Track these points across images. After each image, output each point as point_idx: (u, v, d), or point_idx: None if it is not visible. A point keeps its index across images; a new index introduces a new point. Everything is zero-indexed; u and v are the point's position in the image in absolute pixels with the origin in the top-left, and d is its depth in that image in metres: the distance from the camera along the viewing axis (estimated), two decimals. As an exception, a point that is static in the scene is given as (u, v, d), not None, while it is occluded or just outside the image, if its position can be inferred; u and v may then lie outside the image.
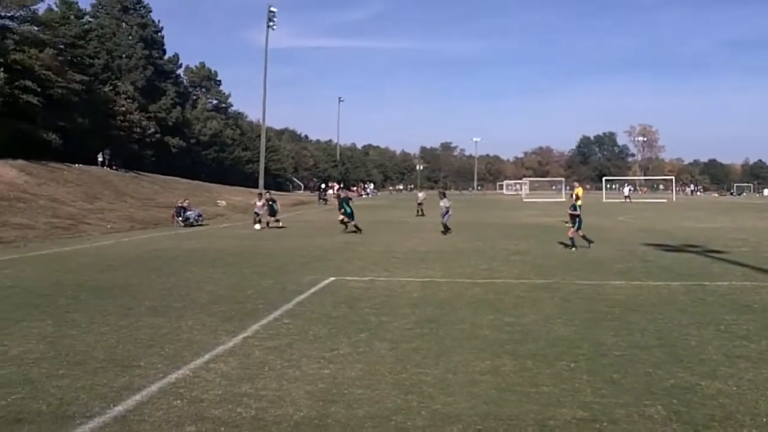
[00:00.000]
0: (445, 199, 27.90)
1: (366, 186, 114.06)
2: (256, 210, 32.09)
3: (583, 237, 21.06)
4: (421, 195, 43.97)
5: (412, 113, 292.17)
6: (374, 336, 9.11)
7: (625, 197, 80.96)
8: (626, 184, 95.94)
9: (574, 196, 26.54)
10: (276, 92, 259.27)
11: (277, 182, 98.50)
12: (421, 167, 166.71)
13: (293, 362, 7.80)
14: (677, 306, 11.29)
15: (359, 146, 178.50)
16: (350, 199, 35.25)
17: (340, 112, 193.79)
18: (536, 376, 7.24)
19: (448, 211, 27.59)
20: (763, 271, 15.61)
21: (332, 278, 14.45)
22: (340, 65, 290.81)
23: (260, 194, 33.80)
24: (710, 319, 10.22)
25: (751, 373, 7.34)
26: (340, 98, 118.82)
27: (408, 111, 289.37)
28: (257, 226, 30.90)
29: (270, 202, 32.04)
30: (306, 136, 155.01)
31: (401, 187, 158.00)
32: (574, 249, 20.45)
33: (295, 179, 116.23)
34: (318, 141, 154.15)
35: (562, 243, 21.09)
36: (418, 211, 40.94)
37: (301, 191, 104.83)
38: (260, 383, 6.99)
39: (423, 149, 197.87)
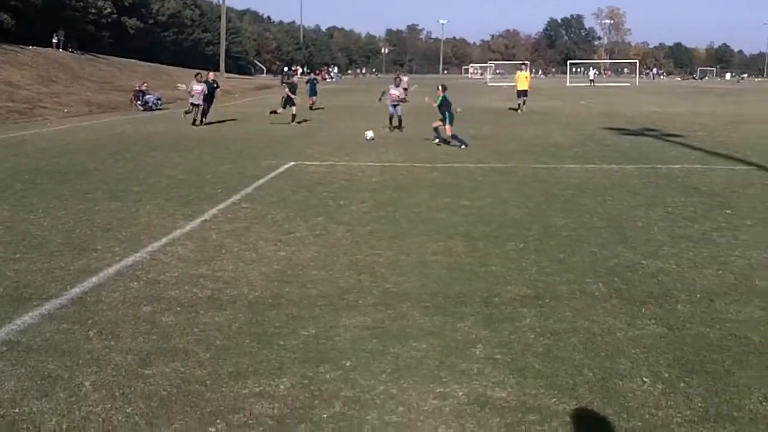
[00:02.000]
0: (399, 87, 21.78)
1: (330, 70, 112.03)
2: (192, 99, 24.10)
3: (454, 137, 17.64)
4: (405, 79, 42.39)
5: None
6: (331, 219, 9.25)
7: (590, 81, 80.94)
8: (591, 68, 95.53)
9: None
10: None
11: (238, 65, 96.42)
12: (387, 50, 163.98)
13: (250, 245, 7.92)
14: (628, 188, 11.57)
15: (323, 28, 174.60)
16: (316, 81, 34.61)
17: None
18: (486, 256, 7.47)
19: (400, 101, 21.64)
20: (716, 155, 15.94)
21: (292, 163, 14.47)
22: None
23: (198, 75, 25.00)
24: (659, 201, 10.51)
25: (691, 252, 7.63)
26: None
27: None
28: (191, 118, 23.88)
29: (213, 85, 25.04)
30: (269, 18, 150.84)
31: (364, 71, 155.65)
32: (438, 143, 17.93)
33: (257, 63, 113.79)
34: (281, 23, 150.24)
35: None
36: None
37: (264, 75, 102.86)
38: (217, 265, 7.13)
39: (389, 32, 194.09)
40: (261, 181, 12.19)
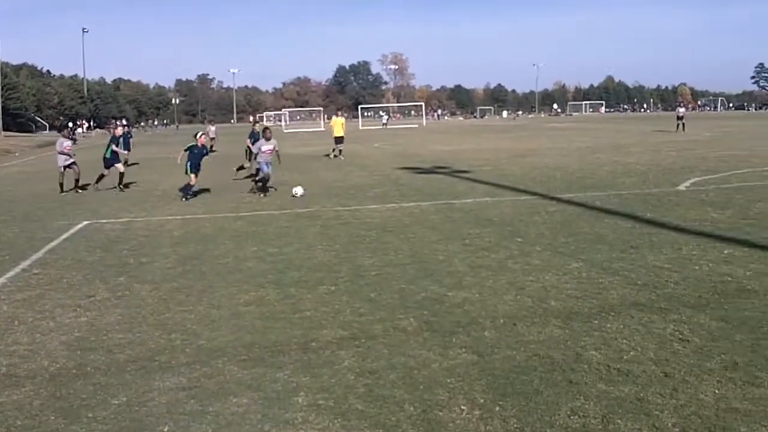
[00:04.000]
0: (272, 140, 18.50)
1: (121, 122, 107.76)
2: None
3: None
4: (212, 129, 41.01)
5: (166, 44, 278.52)
6: (134, 278, 8.84)
7: (383, 124, 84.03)
8: (382, 112, 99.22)
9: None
10: (10, 24, 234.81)
11: (18, 123, 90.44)
12: (177, 101, 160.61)
13: (46, 313, 7.38)
14: (428, 224, 12.06)
15: (109, 80, 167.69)
16: (130, 135, 31.29)
17: (85, 45, 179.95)
18: (299, 302, 7.46)
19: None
20: (502, 187, 17.05)
21: (86, 222, 13.71)
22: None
23: None
24: (457, 234, 11.04)
25: (491, 280, 8.07)
26: (84, 29, 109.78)
27: (161, 42, 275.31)
28: None
29: None
30: (48, 72, 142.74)
31: (156, 122, 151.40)
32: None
33: (38, 119, 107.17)
34: (62, 76, 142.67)
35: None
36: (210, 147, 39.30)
37: (47, 131, 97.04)
38: (10, 338, 6.57)
39: (179, 82, 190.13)
40: (53, 244, 11.43)
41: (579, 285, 7.72)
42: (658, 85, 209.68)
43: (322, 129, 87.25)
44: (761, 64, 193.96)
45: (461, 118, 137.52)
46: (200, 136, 18.15)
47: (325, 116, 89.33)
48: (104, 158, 20.71)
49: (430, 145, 39.06)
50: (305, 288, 8.03)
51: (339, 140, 30.38)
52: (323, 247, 10.38)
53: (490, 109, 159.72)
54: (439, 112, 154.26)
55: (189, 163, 17.25)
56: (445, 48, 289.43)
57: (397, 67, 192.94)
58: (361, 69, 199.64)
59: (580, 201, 14.22)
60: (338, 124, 31.29)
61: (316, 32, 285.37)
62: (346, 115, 35.39)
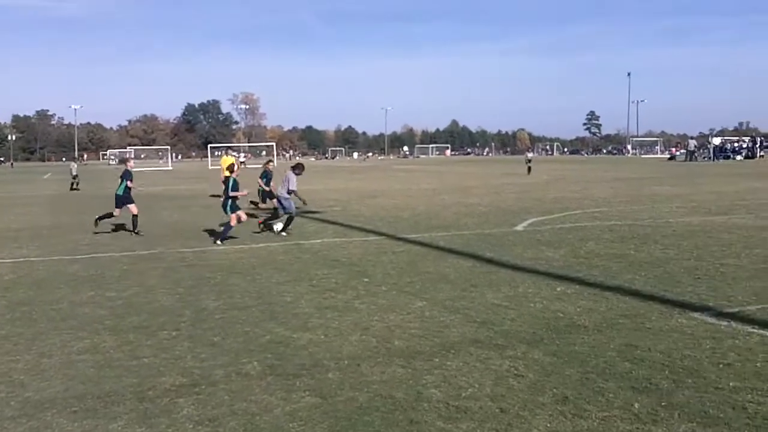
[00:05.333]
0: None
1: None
2: None
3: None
4: (74, 166, 40.25)
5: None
6: (-46, 327, 8.19)
7: (241, 163, 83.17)
8: (240, 152, 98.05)
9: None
10: None
11: None
12: (14, 137, 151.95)
13: None
14: (276, 265, 11.97)
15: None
16: None
17: None
18: (137, 348, 7.16)
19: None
20: (351, 228, 17.23)
21: None
22: None
23: None
24: (304, 275, 11.02)
25: (337, 321, 8.09)
26: None
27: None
28: None
29: None
30: None
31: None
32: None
33: None
34: None
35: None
36: (72, 185, 37.87)
37: None
38: None
39: (15, 117, 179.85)
40: None
41: (422, 324, 7.88)
42: (499, 130, 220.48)
43: (170, 168, 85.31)
44: (592, 112, 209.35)
45: (312, 159, 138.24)
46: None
47: (173, 155, 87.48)
48: (116, 195, 17.64)
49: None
50: (144, 334, 7.72)
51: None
52: (166, 290, 10.06)
53: (341, 150, 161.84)
54: (291, 152, 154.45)
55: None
56: (296, 89, 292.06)
57: (248, 106, 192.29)
58: (211, 108, 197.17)
59: (425, 241, 14.59)
60: (228, 163, 30.22)
61: (162, 69, 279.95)
62: (234, 154, 34.01)
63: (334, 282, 10.43)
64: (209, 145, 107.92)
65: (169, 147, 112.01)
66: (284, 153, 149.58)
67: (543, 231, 16.00)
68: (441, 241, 14.49)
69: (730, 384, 5.78)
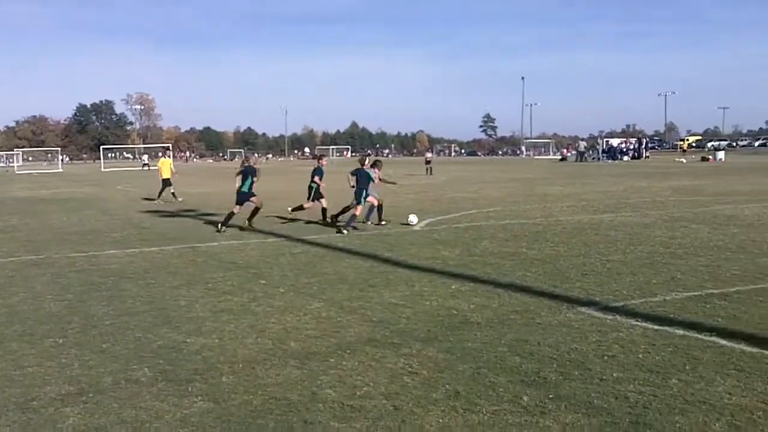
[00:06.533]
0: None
1: None
2: None
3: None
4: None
5: None
6: None
7: (144, 165, 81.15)
8: (145, 153, 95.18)
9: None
10: None
11: None
12: None
13: None
14: (170, 269, 11.70)
15: None
16: None
17: None
18: (21, 357, 6.86)
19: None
20: (249, 230, 17.01)
21: None
22: None
23: None
24: (199, 278, 10.82)
25: (232, 324, 7.98)
26: None
27: None
28: None
29: None
30: None
31: None
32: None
33: None
34: None
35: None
36: None
37: None
38: None
39: None
40: None
41: (318, 324, 7.88)
42: (399, 132, 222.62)
43: (61, 170, 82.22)
44: (488, 115, 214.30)
45: (211, 160, 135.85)
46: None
47: (64, 156, 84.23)
48: (239, 192, 17.40)
49: (177, 188, 38.04)
50: (29, 342, 7.41)
51: (166, 182, 28.06)
52: (53, 297, 9.68)
53: (241, 152, 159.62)
54: (188, 153, 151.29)
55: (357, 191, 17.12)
56: (194, 89, 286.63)
57: (143, 107, 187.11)
58: (103, 108, 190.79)
59: (324, 242, 14.58)
60: (166, 165, 28.79)
61: (50, 67, 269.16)
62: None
63: (230, 285, 10.29)
64: (102, 147, 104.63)
65: (59, 148, 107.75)
66: (181, 154, 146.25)
67: (440, 230, 16.26)
68: (339, 242, 14.52)
69: (614, 375, 6.03)
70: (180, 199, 27.29)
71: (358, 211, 17.07)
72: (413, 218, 17.37)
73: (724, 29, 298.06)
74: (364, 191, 17.11)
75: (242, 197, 17.32)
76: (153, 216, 21.26)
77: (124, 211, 23.28)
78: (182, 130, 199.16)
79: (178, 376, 6.21)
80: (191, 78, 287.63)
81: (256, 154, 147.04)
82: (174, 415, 5.30)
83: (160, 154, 30.96)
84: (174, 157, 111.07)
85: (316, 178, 19.05)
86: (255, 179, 17.56)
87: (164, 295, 9.71)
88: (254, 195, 17.52)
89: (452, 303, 8.77)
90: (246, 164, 17.98)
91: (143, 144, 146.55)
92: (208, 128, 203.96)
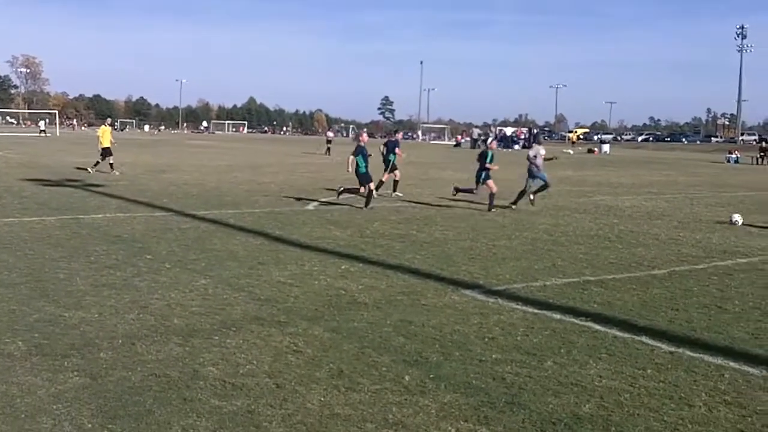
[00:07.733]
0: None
1: None
2: None
3: None
4: None
5: None
6: None
7: (41, 131, 76.95)
8: (42, 119, 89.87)
9: None
10: None
11: None
12: None
13: None
14: (50, 241, 11.25)
15: None
16: None
17: None
18: None
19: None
20: (137, 203, 16.57)
21: None
22: None
23: None
24: (82, 251, 10.45)
25: (114, 299, 7.76)
26: None
27: None
28: None
29: None
30: None
31: None
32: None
33: None
34: None
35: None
36: None
37: None
38: None
39: None
40: None
41: (204, 302, 7.77)
42: (297, 110, 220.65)
43: (-66, 132, 77.47)
44: (386, 97, 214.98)
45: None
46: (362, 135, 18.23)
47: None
48: (360, 173, 17.00)
49: (62, 157, 36.58)
50: None
51: (107, 151, 25.66)
52: None
53: (132, 122, 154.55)
54: (75, 121, 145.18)
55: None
56: (84, 55, 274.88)
57: (29, 70, 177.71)
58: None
59: (214, 218, 14.36)
60: (107, 134, 26.36)
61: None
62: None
63: (114, 259, 10.00)
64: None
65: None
66: (68, 122, 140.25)
67: (333, 211, 16.29)
68: (231, 219, 14.32)
69: (493, 356, 6.23)
70: (117, 173, 25.16)
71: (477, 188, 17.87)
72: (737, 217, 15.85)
73: (615, 25, 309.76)
74: (483, 173, 17.66)
75: (364, 178, 16.96)
76: (34, 185, 20.32)
77: (3, 179, 22.14)
78: (71, 97, 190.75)
79: (53, 350, 6.00)
80: (82, 42, 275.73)
81: (146, 126, 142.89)
82: (47, 390, 5.13)
83: (107, 123, 28.08)
84: (61, 124, 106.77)
85: (398, 150, 20.69)
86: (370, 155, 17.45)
87: (43, 267, 9.34)
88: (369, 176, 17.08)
89: (341, 283, 8.82)
90: (360, 143, 17.62)
91: (27, 109, 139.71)
92: (98, 96, 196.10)
